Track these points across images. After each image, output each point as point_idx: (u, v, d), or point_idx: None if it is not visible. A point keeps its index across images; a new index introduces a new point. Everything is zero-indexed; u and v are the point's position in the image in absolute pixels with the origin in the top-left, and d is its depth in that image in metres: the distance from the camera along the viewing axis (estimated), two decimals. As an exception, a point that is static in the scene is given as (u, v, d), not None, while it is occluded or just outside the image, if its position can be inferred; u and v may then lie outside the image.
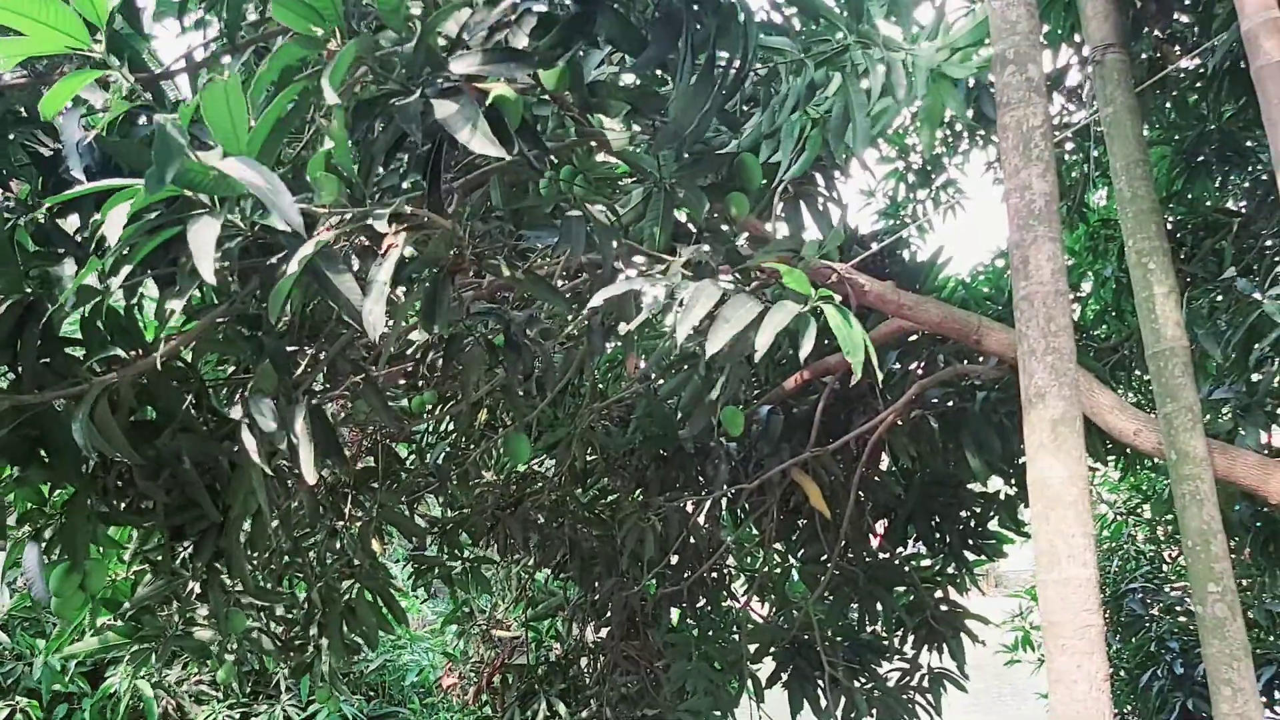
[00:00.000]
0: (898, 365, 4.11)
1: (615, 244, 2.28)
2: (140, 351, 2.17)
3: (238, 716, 9.52)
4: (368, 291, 1.80)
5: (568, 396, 4.36)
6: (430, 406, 3.86)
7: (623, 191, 3.14)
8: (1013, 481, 4.23)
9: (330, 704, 9.22)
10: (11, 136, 2.17)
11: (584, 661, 5.21)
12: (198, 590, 2.68)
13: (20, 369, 2.05)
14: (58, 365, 2.06)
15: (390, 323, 2.26)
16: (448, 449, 4.27)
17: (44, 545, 2.28)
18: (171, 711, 9.50)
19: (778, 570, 4.54)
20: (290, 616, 3.80)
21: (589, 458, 4.51)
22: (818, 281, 3.21)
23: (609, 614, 4.75)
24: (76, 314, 2.12)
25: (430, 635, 10.14)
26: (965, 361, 3.85)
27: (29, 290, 2.06)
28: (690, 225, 2.67)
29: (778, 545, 4.53)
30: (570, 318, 3.11)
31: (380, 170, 2.04)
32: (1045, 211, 2.09)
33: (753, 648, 4.47)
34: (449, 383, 3.59)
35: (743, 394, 3.86)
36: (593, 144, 2.70)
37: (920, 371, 4.07)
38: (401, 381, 3.60)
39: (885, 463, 4.44)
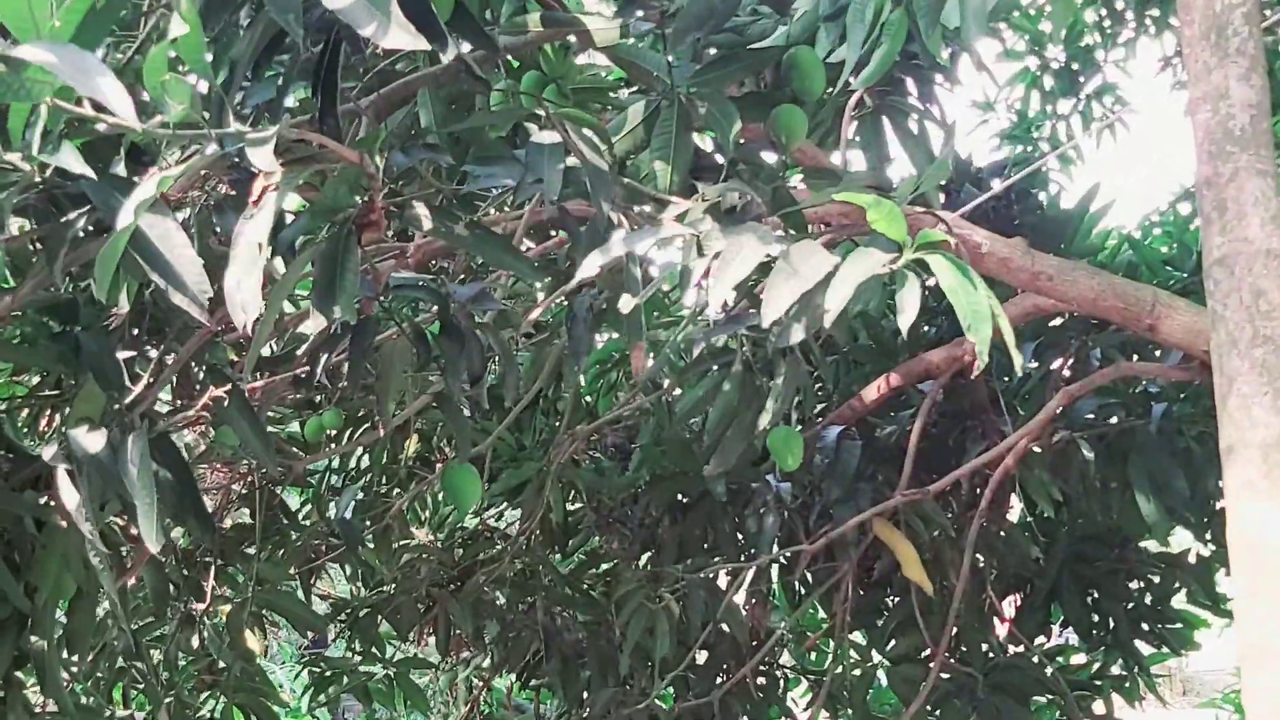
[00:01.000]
0: (1034, 364, 4.10)
1: (609, 184, 2.27)
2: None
3: None
4: (232, 259, 1.79)
5: (539, 414, 4.36)
6: (333, 432, 3.86)
7: (615, 109, 3.13)
8: (1208, 537, 4.22)
9: None
10: None
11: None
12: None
13: None
14: None
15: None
16: (360, 495, 4.28)
17: None
18: None
19: (856, 672, 4.53)
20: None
21: (571, 506, 4.51)
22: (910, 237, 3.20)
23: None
24: None
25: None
26: (1135, 357, 3.83)
27: None
28: (716, 156, 2.66)
29: (855, 635, 4.52)
30: (540, 295, 3.10)
31: (247, 81, 2.03)
32: (1251, 131, 2.08)
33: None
34: (360, 396, 3.59)
35: (802, 409, 3.85)
36: (569, 39, 2.69)
37: (1067, 373, 4.06)
38: (291, 396, 3.60)
39: (1016, 510, 4.43)
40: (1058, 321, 4.10)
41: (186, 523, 2.26)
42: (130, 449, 2.11)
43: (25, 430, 2.71)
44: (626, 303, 2.10)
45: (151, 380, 2.45)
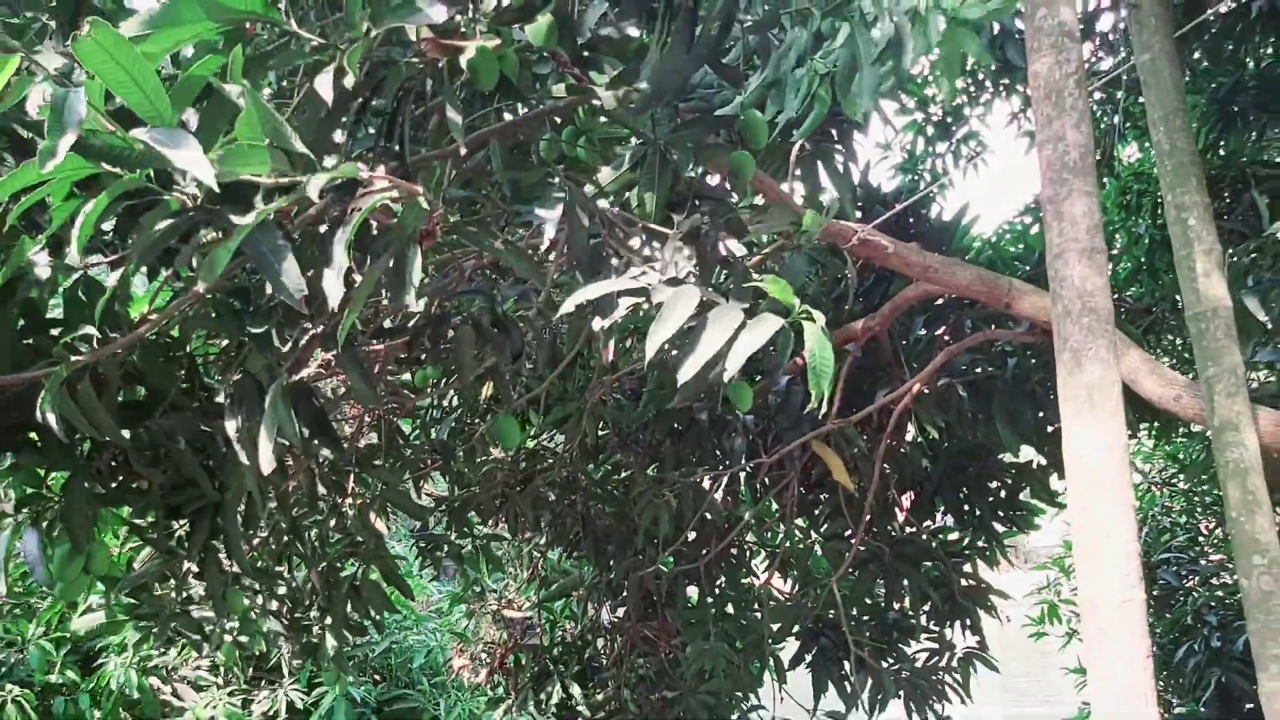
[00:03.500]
0: (923, 331, 4.06)
1: (587, 225, 2.21)
2: (123, 331, 2.15)
3: (239, 703, 9.64)
4: (328, 263, 1.77)
5: (577, 369, 4.33)
6: (433, 381, 3.84)
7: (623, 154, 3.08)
8: (1045, 451, 4.20)
9: (337, 688, 9.32)
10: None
11: (600, 643, 5.23)
12: (195, 569, 2.69)
13: (-2, 350, 2.04)
14: (42, 347, 2.04)
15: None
16: (453, 425, 4.26)
17: (45, 529, 2.28)
18: (170, 698, 9.62)
19: (800, 546, 4.53)
20: (293, 597, 3.82)
21: (600, 433, 4.50)
22: (838, 243, 3.15)
23: (624, 593, 4.75)
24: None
25: (437, 616, 10.22)
26: (995, 326, 3.80)
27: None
28: (689, 190, 2.61)
29: (799, 520, 4.51)
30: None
31: (339, 136, 2.00)
32: (1080, 164, 2.04)
33: (775, 627, 4.46)
34: (448, 358, 3.57)
35: (758, 364, 3.82)
36: (595, 103, 2.64)
37: (947, 338, 4.02)
38: (402, 356, 3.58)
39: (911, 434, 4.41)
40: (940, 301, 4.07)
41: (321, 444, 2.22)
42: (272, 393, 2.08)
43: (218, 376, 2.68)
44: (599, 323, 2.08)
45: (302, 343, 2.43)
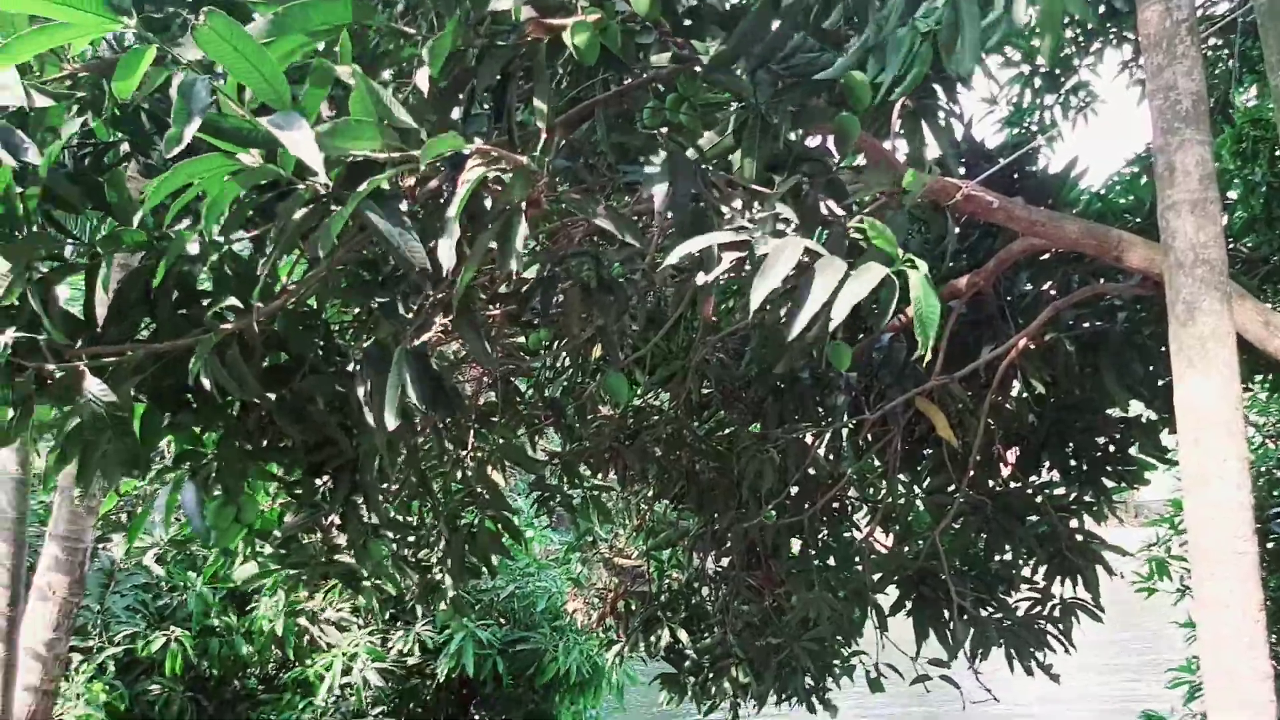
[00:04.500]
0: (1029, 286, 3.91)
1: (693, 184, 2.20)
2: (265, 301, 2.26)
3: (377, 641, 10.12)
4: (442, 231, 1.82)
5: (680, 329, 4.34)
6: (545, 343, 3.91)
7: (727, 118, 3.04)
8: (1155, 406, 4.01)
9: (463, 629, 9.68)
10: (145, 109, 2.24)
11: (705, 590, 5.28)
12: (338, 521, 2.83)
13: (157, 321, 2.18)
14: (194, 316, 2.17)
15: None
16: (564, 384, 4.34)
17: (202, 483, 2.44)
18: (316, 638, 10.17)
19: (901, 500, 4.46)
20: (419, 544, 3.98)
21: (704, 390, 4.50)
22: (942, 200, 3.06)
23: (729, 544, 4.77)
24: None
25: (555, 564, 10.48)
26: (1103, 280, 3.64)
27: (152, 247, 2.16)
28: (789, 152, 2.57)
29: (902, 476, 4.44)
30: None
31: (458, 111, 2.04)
32: (1193, 112, 1.93)
33: (876, 577, 4.43)
34: (558, 320, 3.63)
35: (862, 321, 3.75)
36: (696, 70, 2.62)
37: (1054, 292, 3.87)
38: (515, 320, 3.66)
39: (1017, 389, 4.28)
40: (1047, 256, 3.92)
41: (438, 404, 2.29)
42: (396, 357, 2.15)
43: (351, 342, 2.80)
44: (702, 278, 2.07)
45: (425, 310, 2.50)
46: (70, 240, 2.12)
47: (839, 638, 4.67)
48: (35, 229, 1.93)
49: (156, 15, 2.17)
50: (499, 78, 2.15)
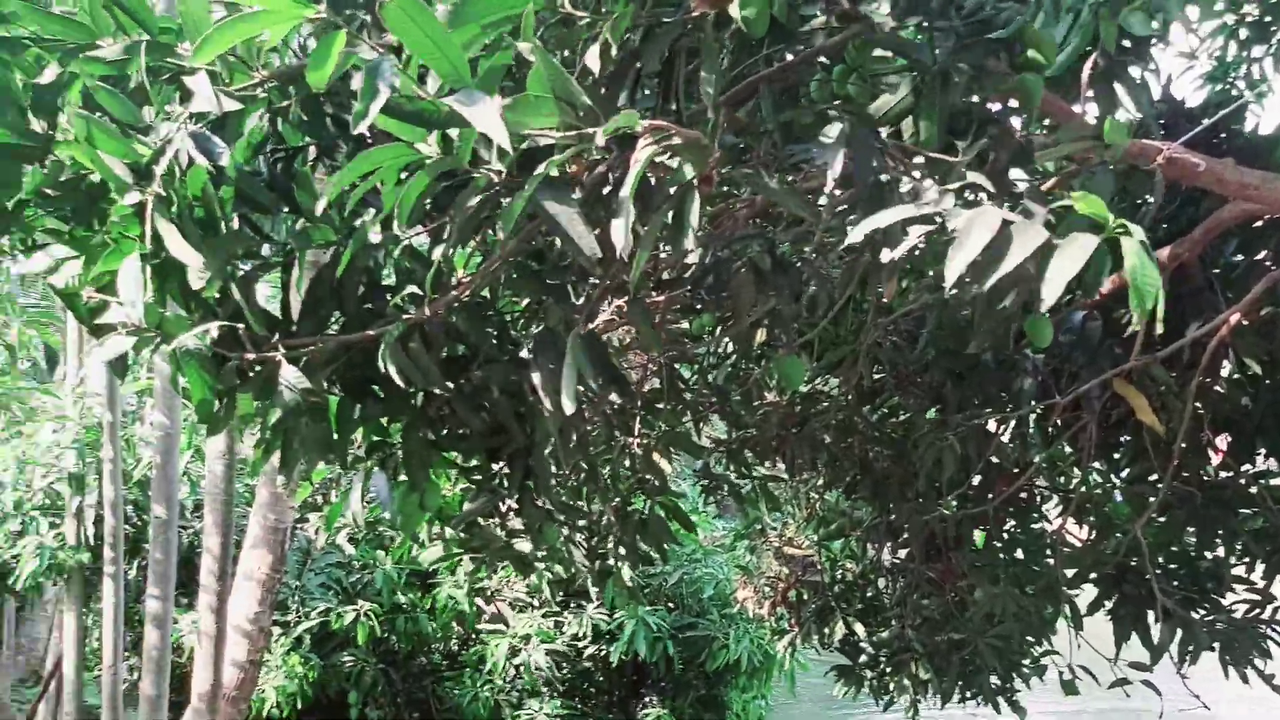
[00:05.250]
0: (1240, 257, 3.57)
1: (874, 155, 2.11)
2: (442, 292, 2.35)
3: (550, 623, 10.46)
4: (614, 213, 1.81)
5: (850, 312, 4.23)
6: (709, 329, 3.90)
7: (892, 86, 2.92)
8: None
9: (634, 614, 9.87)
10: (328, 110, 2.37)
11: (881, 583, 5.15)
12: (514, 506, 2.92)
13: (345, 314, 2.31)
14: (378, 309, 2.28)
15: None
16: (729, 368, 4.31)
17: (391, 472, 2.58)
18: (495, 617, 10.61)
19: (1097, 491, 4.19)
20: (591, 530, 4.06)
21: (876, 375, 4.37)
22: (1142, 163, 2.83)
23: (905, 535, 4.63)
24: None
25: (722, 551, 10.51)
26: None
27: (337, 241, 2.29)
28: (971, 117, 2.43)
29: (1097, 464, 4.16)
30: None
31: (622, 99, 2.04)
32: None
33: (1070, 573, 4.18)
34: (726, 304, 3.60)
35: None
36: (866, 37, 2.52)
37: (1270, 263, 3.52)
38: (676, 307, 3.66)
39: (1228, 369, 3.92)
40: (1260, 223, 3.57)
41: (611, 389, 2.31)
42: (570, 342, 2.17)
43: (523, 331, 2.87)
44: (885, 255, 1.98)
45: (593, 297, 2.53)
46: (267, 240, 2.28)
47: (1028, 637, 4.44)
48: (232, 229, 2.08)
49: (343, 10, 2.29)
50: (665, 57, 2.13)
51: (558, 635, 10.20)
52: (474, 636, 10.87)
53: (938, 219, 1.73)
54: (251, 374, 2.12)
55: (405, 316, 2.20)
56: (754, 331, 3.89)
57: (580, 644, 10.29)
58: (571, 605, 10.52)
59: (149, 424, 9.58)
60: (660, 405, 3.97)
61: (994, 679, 4.67)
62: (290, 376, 2.06)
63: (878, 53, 2.80)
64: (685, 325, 4.03)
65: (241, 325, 2.09)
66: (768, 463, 4.83)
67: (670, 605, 10.43)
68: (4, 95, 2.00)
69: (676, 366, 4.17)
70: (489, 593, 10.47)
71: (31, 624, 14.93)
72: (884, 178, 1.99)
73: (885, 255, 1.86)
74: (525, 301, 3.05)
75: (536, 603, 10.45)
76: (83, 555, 9.21)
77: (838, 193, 2.10)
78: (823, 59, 2.55)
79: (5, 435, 9.83)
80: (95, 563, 9.13)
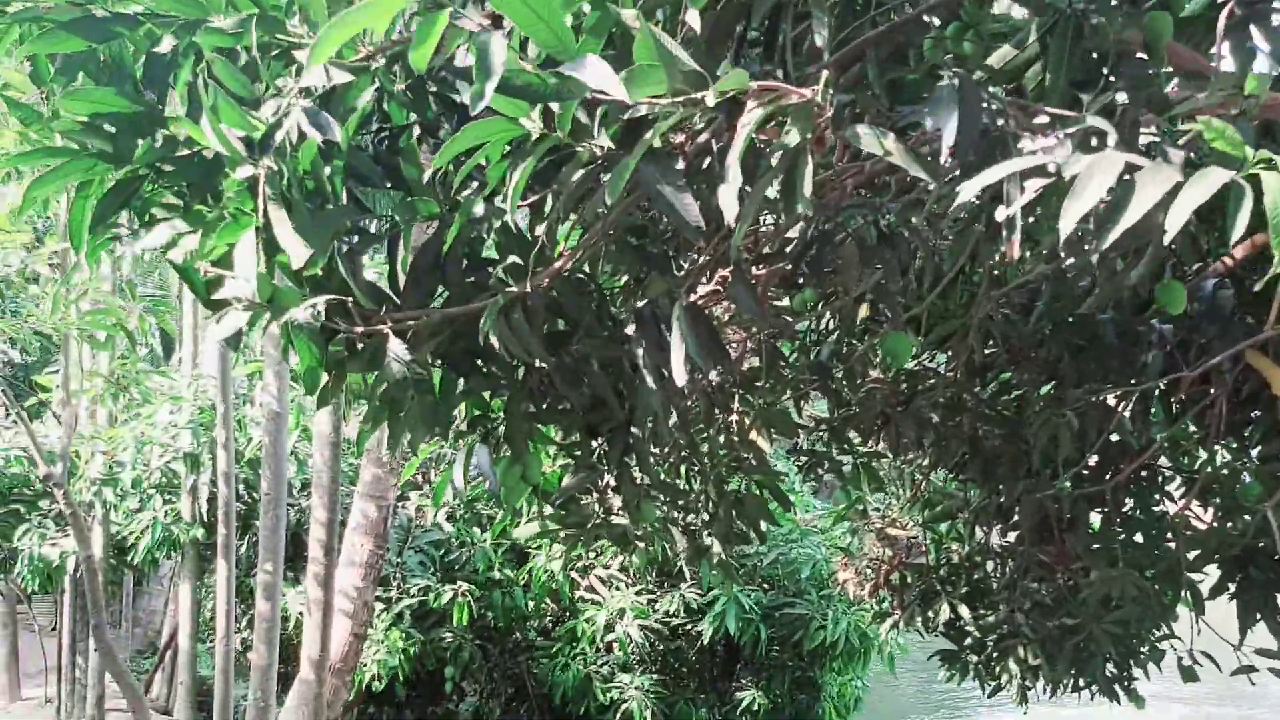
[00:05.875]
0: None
1: (982, 110, 1.99)
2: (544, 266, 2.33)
3: (644, 600, 10.50)
4: (723, 176, 1.75)
5: (959, 285, 4.07)
6: (812, 304, 3.80)
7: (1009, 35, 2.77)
8: None
9: (728, 593, 9.83)
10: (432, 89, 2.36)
11: (989, 565, 4.98)
12: (613, 482, 2.91)
13: (448, 288, 2.31)
14: (481, 282, 2.27)
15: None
16: (832, 346, 4.20)
17: (493, 446, 2.59)
18: (588, 593, 10.70)
19: (1224, 471, 3.95)
20: (687, 507, 4.03)
21: (987, 350, 4.21)
22: (1277, 118, 2.62)
23: (1015, 517, 4.46)
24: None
25: (819, 532, 10.38)
26: None
27: (441, 215, 2.29)
28: (1100, 64, 2.27)
29: (1224, 442, 3.93)
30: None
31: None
32: None
33: (1192, 555, 3.97)
34: (828, 279, 3.50)
35: (1179, 266, 3.33)
36: (983, -8, 2.39)
37: None
38: (776, 283, 3.57)
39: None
40: None
41: (716, 363, 2.26)
42: (676, 313, 2.13)
43: (621, 306, 2.84)
44: (1001, 213, 1.86)
45: (692, 271, 2.48)
46: (373, 215, 2.29)
47: (1146, 621, 4.24)
48: (340, 204, 2.09)
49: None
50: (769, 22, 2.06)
51: (651, 612, 10.24)
52: (567, 612, 11.00)
53: (1054, 169, 1.61)
54: (359, 346, 2.13)
55: (509, 289, 2.18)
56: (858, 306, 3.78)
57: (672, 621, 10.32)
58: (664, 584, 10.55)
59: (258, 405, 9.94)
60: (759, 383, 3.90)
61: (1109, 667, 4.48)
62: (397, 349, 2.06)
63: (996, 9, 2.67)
64: (785, 301, 3.94)
65: (348, 299, 2.11)
66: (870, 442, 4.71)
67: (765, 585, 10.36)
68: (118, 68, 2.04)
69: (776, 343, 4.08)
70: (583, 568, 10.57)
71: (148, 598, 15.69)
72: (996, 135, 1.87)
73: (1000, 213, 1.75)
74: (624, 278, 3.02)
75: (629, 580, 10.51)
76: (197, 531, 9.63)
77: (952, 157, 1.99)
78: (934, 18, 2.43)
79: (124, 417, 10.32)
80: (208, 538, 9.54)
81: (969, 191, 1.69)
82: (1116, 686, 4.52)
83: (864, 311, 4.21)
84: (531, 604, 10.98)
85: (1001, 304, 3.91)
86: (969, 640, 4.91)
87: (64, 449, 7.16)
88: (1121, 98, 2.16)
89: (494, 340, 2.14)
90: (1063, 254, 1.66)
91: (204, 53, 2.09)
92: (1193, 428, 4.07)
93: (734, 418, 3.90)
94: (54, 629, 14.14)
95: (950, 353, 4.05)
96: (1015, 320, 3.91)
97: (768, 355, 3.89)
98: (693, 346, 2.05)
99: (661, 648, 10.70)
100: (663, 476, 3.70)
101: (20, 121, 2.37)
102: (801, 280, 3.59)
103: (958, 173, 2.46)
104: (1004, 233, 1.73)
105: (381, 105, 2.30)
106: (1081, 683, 4.60)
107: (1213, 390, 3.50)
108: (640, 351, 2.22)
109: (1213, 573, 4.05)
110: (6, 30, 2.06)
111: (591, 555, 10.38)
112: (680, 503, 3.80)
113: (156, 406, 9.86)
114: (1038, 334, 3.84)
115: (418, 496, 11.66)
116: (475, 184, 2.19)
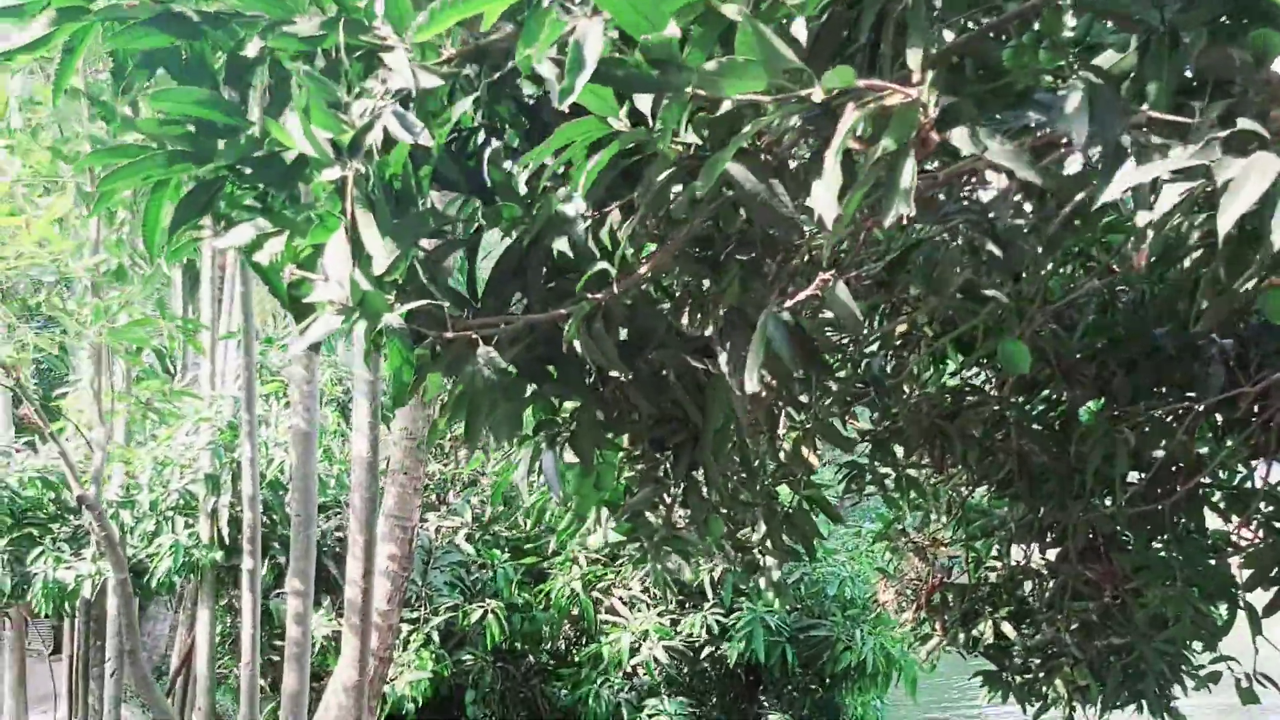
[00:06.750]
0: None
1: (1119, 116, 1.95)
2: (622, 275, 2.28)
3: (667, 622, 10.38)
4: (821, 175, 1.71)
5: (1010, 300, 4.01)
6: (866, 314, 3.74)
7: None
8: None
9: (751, 614, 9.70)
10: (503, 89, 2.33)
11: (1028, 585, 4.90)
12: (680, 497, 2.84)
13: (528, 293, 2.26)
14: (561, 289, 2.23)
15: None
16: (880, 361, 4.14)
17: (558, 451, 2.53)
18: (609, 614, 10.58)
19: (1268, 488, 3.88)
20: (736, 521, 3.96)
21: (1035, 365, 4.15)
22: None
23: (1057, 535, 4.38)
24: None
25: (846, 551, 10.27)
26: None
27: (525, 223, 2.24)
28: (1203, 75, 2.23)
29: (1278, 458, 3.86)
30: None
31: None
32: None
33: (1246, 574, 3.89)
34: (881, 291, 3.44)
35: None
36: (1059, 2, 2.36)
37: None
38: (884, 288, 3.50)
39: None
40: None
41: (812, 370, 2.20)
42: (764, 319, 2.08)
43: (697, 314, 2.80)
44: (1142, 218, 1.82)
45: (776, 278, 2.43)
46: (452, 220, 2.25)
47: (1198, 641, 4.15)
48: (426, 208, 2.05)
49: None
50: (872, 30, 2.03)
51: (674, 634, 10.11)
52: (585, 635, 10.87)
53: (1208, 169, 1.57)
54: (442, 351, 2.09)
55: (593, 296, 2.14)
56: (933, 317, 3.72)
57: (695, 643, 10.18)
58: (686, 605, 10.42)
59: (277, 426, 9.87)
60: (804, 396, 3.83)
61: (1158, 687, 4.39)
62: (484, 354, 2.02)
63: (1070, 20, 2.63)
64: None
65: (436, 302, 2.06)
66: (912, 457, 4.64)
67: (791, 606, 10.23)
68: (200, 68, 2.01)
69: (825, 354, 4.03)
70: (605, 588, 10.46)
71: (153, 622, 15.49)
72: (1125, 140, 1.83)
73: (1142, 218, 1.70)
74: (705, 286, 2.97)
75: (650, 601, 10.39)
76: (216, 553, 9.51)
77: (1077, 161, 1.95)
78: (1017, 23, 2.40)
79: (141, 438, 10.24)
80: (227, 561, 9.41)
81: (1113, 192, 1.65)
82: (1165, 710, 4.43)
83: (902, 327, 4.16)
84: (547, 627, 10.86)
85: (1049, 319, 3.86)
86: (1010, 660, 4.82)
87: (96, 471, 7.08)
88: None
89: (577, 347, 2.09)
90: (1220, 234, 1.59)
91: (279, 54, 2.06)
92: (1242, 447, 4.00)
93: (784, 431, 3.83)
94: (53, 653, 13.99)
95: (1000, 367, 3.99)
96: (1063, 337, 3.85)
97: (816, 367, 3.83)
98: (785, 355, 2.00)
99: (686, 670, 10.56)
100: (731, 492, 3.63)
101: (102, 120, 2.34)
102: (883, 287, 3.53)
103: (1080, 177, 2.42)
104: (1133, 241, 1.68)
105: (474, 105, 2.26)
106: (1129, 701, 4.51)
107: (1271, 406, 3.43)
108: (723, 359, 2.17)
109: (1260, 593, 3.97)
110: (90, 27, 2.03)
111: (612, 575, 10.27)
112: (736, 518, 3.74)
113: (175, 427, 9.79)
114: (1090, 349, 3.78)
115: (435, 517, 11.58)
116: (560, 190, 2.15)
